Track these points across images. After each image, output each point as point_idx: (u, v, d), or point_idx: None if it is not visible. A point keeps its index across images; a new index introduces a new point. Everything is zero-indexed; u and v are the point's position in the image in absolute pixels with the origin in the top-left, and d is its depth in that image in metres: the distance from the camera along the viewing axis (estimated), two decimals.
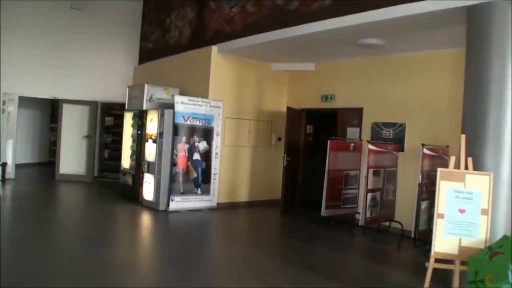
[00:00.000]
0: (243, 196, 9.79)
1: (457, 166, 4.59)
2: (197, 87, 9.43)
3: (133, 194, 9.41)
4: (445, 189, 4.43)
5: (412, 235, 6.53)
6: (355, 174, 8.31)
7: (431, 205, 6.38)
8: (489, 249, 4.07)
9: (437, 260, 4.43)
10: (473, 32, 4.95)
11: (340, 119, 9.02)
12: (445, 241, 4.39)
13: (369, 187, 7.18)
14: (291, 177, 9.38)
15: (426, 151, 6.52)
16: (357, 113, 8.63)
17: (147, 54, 12.63)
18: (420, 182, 6.43)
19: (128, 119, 10.04)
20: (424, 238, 6.47)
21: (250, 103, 9.77)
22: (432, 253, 4.41)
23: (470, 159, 4.50)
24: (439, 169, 4.52)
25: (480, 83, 4.78)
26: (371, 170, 7.20)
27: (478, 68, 4.81)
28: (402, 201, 7.75)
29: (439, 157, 6.87)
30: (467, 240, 4.35)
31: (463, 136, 4.65)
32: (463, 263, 4.37)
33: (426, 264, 4.45)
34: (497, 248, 3.98)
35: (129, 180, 9.79)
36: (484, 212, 4.34)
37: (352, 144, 8.16)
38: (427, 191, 6.61)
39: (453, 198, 4.42)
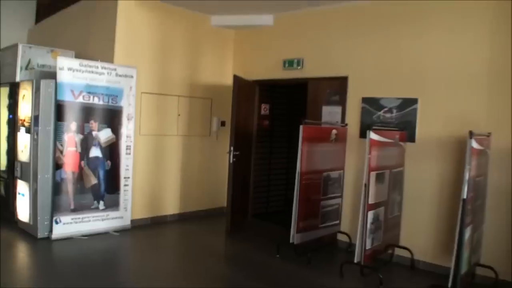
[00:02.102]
0: (171, 207, 6.78)
1: None
2: (100, 50, 6.24)
3: (6, 209, 6.16)
4: None
5: (450, 283, 3.84)
6: (338, 175, 5.56)
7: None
8: None
9: None
10: None
11: (311, 94, 6.20)
12: None
13: (371, 201, 4.44)
14: (241, 178, 6.49)
15: (475, 144, 3.83)
16: (338, 84, 5.84)
17: (44, 10, 9.12)
18: (465, 197, 3.75)
19: (3, 97, 6.64)
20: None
21: (180, 73, 6.71)
22: None
23: None
24: None
25: None
26: (373, 175, 4.45)
27: None
28: (410, 218, 5.10)
29: (483, 153, 4.24)
30: None
31: None
32: None
33: None
34: None
35: (1, 189, 6.51)
36: None
37: (334, 132, 5.37)
38: (472, 210, 3.97)
39: None
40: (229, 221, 6.05)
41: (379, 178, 4.57)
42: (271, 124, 7.44)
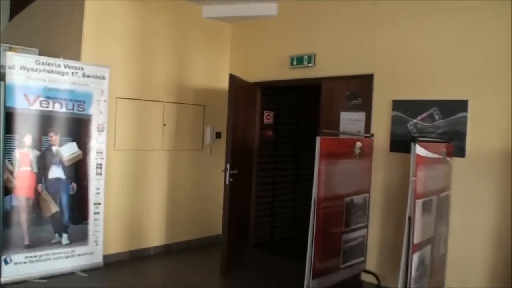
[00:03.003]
0: (155, 237, 5.56)
1: None
2: (65, 46, 5.06)
3: None
4: None
5: None
6: (363, 200, 4.36)
7: None
8: None
9: None
10: None
11: (325, 97, 5.02)
12: None
13: (416, 240, 3.23)
14: (240, 202, 5.30)
15: None
16: (361, 85, 4.68)
17: (18, 5, 7.98)
18: None
19: None
20: None
21: (165, 74, 5.54)
22: None
23: None
24: None
25: None
26: (419, 204, 3.24)
27: None
28: (459, 257, 3.90)
29: None
30: None
31: None
32: None
33: None
34: None
35: None
36: None
37: (358, 144, 4.17)
38: None
39: None
40: (225, 257, 4.83)
41: (426, 207, 3.36)
42: (276, 135, 6.25)
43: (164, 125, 5.52)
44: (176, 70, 5.62)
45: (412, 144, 3.16)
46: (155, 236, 5.53)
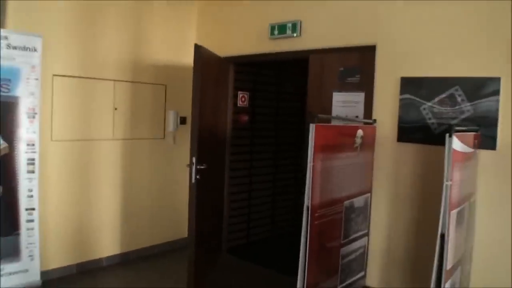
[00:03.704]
0: (108, 246, 4.58)
1: None
2: None
3: None
4: None
5: None
6: (364, 202, 3.50)
7: None
8: None
9: None
10: None
11: (314, 74, 4.09)
12: None
13: (450, 264, 2.38)
14: (209, 201, 4.38)
15: None
16: (359, 59, 3.77)
17: None
18: None
19: None
20: None
21: (116, 47, 4.49)
22: None
23: None
24: None
25: None
26: (453, 215, 2.39)
27: None
28: (485, 273, 3.10)
29: None
30: None
31: None
32: None
33: None
34: None
35: None
36: None
37: (360, 133, 3.28)
38: None
39: None
40: (192, 265, 3.87)
41: (459, 218, 2.52)
42: (252, 120, 5.31)
43: (116, 109, 4.49)
44: (130, 41, 4.58)
45: (448, 136, 2.28)
46: (107, 244, 4.55)
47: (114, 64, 4.45)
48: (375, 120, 3.56)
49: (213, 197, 4.51)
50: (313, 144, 2.72)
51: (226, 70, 4.75)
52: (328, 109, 3.93)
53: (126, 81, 4.55)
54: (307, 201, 2.78)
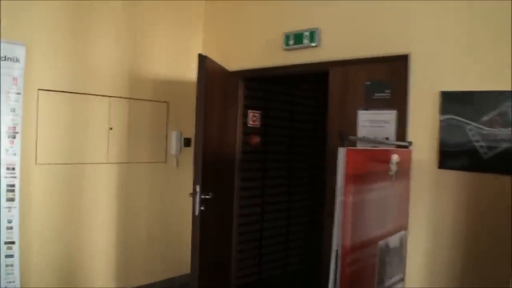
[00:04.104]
0: (101, 283, 4.01)
1: None
2: None
3: None
4: None
5: None
6: (399, 241, 2.92)
7: None
8: None
9: None
10: None
11: (335, 90, 3.55)
12: None
13: None
14: (216, 234, 3.82)
15: None
16: (389, 71, 3.23)
17: None
18: None
19: None
20: None
21: (112, 58, 4.01)
22: None
23: None
24: None
25: None
26: None
27: None
28: None
29: None
30: None
31: None
32: None
33: None
34: None
35: None
36: None
37: (395, 158, 2.73)
38: None
39: None
40: None
41: None
42: (264, 142, 4.79)
43: (111, 128, 3.99)
44: (128, 53, 4.11)
45: None
46: (100, 281, 3.98)
47: (109, 77, 3.97)
48: (410, 143, 3.02)
49: (219, 230, 3.96)
50: (344, 172, 2.17)
51: (235, 86, 4.24)
52: (352, 129, 3.38)
53: (122, 98, 4.06)
54: (336, 244, 2.22)
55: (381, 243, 2.64)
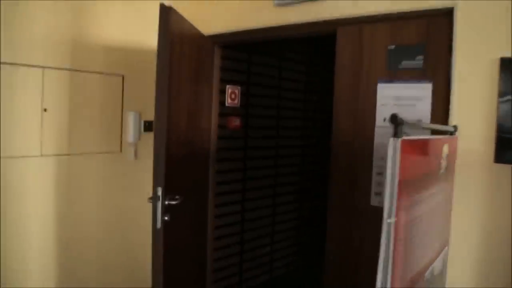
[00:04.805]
0: None
1: None
2: None
3: None
4: None
5: None
6: (442, 264, 2.11)
7: None
8: None
9: None
10: None
11: (344, 56, 2.67)
12: None
13: None
14: (186, 244, 2.94)
15: None
16: (422, 31, 2.38)
17: None
18: None
19: None
20: None
21: (47, 17, 3.00)
22: None
23: None
24: None
25: None
26: None
27: None
28: None
29: None
30: None
31: None
32: None
33: None
34: None
35: None
36: None
37: (445, 150, 1.90)
38: None
39: None
40: None
41: None
42: (245, 125, 3.90)
43: (45, 110, 3.00)
44: (69, 12, 3.10)
45: None
46: None
47: (43, 42, 2.96)
48: (455, 128, 2.19)
49: (190, 240, 3.08)
50: (397, 179, 1.32)
51: (210, 54, 3.31)
52: (368, 109, 2.54)
53: (61, 69, 3.07)
54: (383, 283, 1.38)
55: (427, 274, 1.82)
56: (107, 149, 3.37)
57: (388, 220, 1.34)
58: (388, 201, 1.35)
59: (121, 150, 3.45)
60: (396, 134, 1.33)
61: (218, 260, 3.69)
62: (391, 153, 1.33)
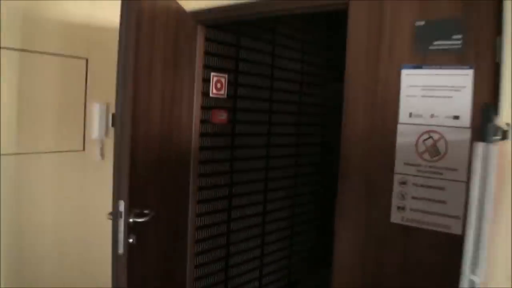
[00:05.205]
0: None
1: None
2: None
3: None
4: None
5: None
6: None
7: None
8: None
9: None
10: None
11: (358, 34, 2.15)
12: None
13: None
14: (158, 269, 2.40)
15: None
16: (461, 3, 1.87)
17: None
18: None
19: None
20: None
21: None
22: None
23: None
24: None
25: None
26: None
27: None
28: None
29: None
30: None
31: None
32: None
33: None
34: None
35: None
36: None
37: None
38: None
39: None
40: None
41: None
42: (233, 119, 3.37)
43: None
44: None
45: None
46: None
47: None
48: (507, 128, 1.67)
49: (163, 263, 2.54)
50: (491, 204, 0.81)
51: (191, 34, 2.75)
52: (389, 101, 2.03)
53: (9, 49, 2.50)
54: None
55: None
56: (67, 147, 2.81)
57: (471, 277, 0.83)
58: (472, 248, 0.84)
59: (84, 149, 2.89)
60: (486, 136, 0.82)
61: (199, 280, 3.16)
62: (478, 164, 0.82)
